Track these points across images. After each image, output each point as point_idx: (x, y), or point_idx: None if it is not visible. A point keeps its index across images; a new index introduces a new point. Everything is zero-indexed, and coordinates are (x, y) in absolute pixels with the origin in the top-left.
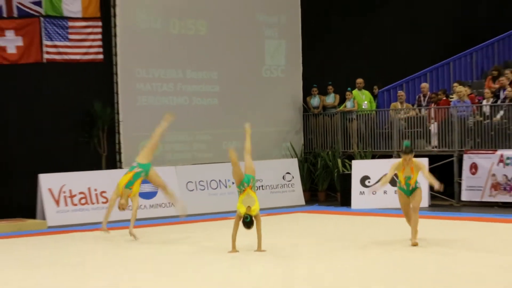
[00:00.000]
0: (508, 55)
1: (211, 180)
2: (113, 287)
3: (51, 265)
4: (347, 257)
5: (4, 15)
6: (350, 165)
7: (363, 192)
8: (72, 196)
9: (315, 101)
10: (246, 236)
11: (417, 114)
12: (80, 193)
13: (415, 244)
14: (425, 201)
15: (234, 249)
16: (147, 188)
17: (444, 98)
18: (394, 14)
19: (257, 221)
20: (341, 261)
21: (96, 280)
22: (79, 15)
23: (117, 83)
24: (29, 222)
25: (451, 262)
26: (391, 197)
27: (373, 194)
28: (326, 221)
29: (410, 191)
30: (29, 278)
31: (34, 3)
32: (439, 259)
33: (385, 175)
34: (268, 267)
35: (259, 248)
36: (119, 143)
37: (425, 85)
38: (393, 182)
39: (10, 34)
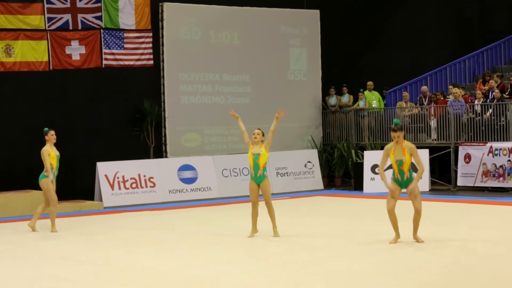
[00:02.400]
0: (495, 62)
1: (243, 168)
2: (155, 256)
3: (109, 239)
4: (360, 232)
5: (70, 27)
6: (362, 155)
7: (374, 178)
8: (124, 181)
9: (332, 100)
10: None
11: (419, 111)
12: (131, 178)
13: (421, 241)
14: (426, 186)
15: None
16: (187, 174)
17: (442, 98)
18: (399, 27)
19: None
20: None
21: (144, 248)
22: (133, 28)
23: (163, 85)
24: (88, 203)
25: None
26: None
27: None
28: (342, 203)
29: (405, 182)
30: (89, 248)
31: (96, 17)
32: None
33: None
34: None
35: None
36: (165, 136)
37: (425, 88)
38: None
39: (75, 43)
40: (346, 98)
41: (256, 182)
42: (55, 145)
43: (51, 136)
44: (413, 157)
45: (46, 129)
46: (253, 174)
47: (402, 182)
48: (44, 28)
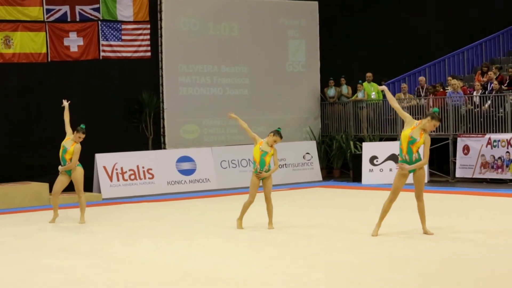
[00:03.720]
0: (494, 53)
1: (242, 159)
2: (154, 248)
3: (107, 231)
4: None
5: (68, 19)
6: (361, 147)
7: (372, 169)
8: (123, 173)
9: (331, 91)
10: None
11: (417, 103)
12: (130, 170)
13: (430, 233)
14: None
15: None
16: (186, 165)
17: (441, 89)
18: (398, 18)
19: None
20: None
21: (143, 239)
22: (131, 19)
23: (162, 76)
24: (87, 194)
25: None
26: (395, 174)
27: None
28: (340, 194)
29: (413, 164)
30: (87, 240)
31: (94, 9)
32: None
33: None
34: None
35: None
36: (163, 127)
37: (422, 79)
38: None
39: (73, 35)
40: (345, 90)
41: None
42: None
43: (77, 136)
44: (424, 145)
45: (83, 126)
46: (258, 169)
47: (410, 163)
48: (42, 19)
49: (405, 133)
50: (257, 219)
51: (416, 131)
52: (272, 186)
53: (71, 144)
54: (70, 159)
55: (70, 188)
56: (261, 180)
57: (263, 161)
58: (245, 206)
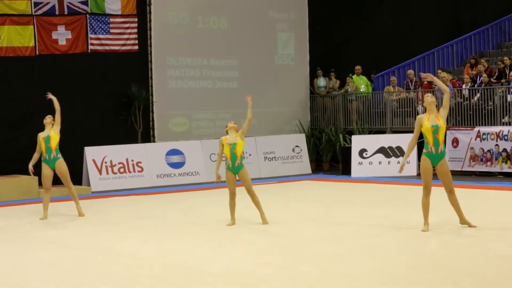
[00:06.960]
0: (483, 46)
1: None
2: (142, 241)
3: (96, 224)
4: (348, 215)
5: (57, 13)
6: (350, 140)
7: (361, 162)
8: (112, 166)
9: (320, 81)
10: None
11: (406, 96)
12: (119, 163)
13: (472, 225)
14: (413, 170)
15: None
16: (175, 158)
17: (426, 82)
18: (387, 11)
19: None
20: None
21: (132, 232)
22: (119, 13)
23: (151, 69)
24: (76, 188)
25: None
26: (384, 167)
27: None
28: (329, 187)
29: (438, 156)
30: (77, 233)
31: (82, 2)
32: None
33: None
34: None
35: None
36: (153, 120)
37: (410, 72)
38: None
39: (61, 28)
40: (333, 82)
41: (233, 173)
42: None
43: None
44: (445, 109)
45: None
46: (230, 165)
47: (436, 155)
48: (30, 13)
49: (426, 126)
50: (245, 212)
51: (432, 119)
52: (250, 178)
53: (49, 130)
54: (56, 146)
55: (58, 181)
56: (236, 175)
57: (234, 154)
58: (231, 206)
